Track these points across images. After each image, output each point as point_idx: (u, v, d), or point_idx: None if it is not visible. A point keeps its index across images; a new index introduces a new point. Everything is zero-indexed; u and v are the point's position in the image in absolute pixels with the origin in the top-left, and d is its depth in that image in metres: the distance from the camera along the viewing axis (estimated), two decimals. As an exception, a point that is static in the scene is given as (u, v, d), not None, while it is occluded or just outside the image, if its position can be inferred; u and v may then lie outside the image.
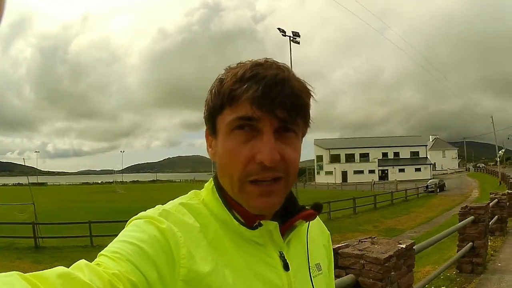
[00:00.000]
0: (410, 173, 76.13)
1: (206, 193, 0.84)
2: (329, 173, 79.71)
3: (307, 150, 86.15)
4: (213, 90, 0.79)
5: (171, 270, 0.68)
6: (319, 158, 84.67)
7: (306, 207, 0.87)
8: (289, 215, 0.86)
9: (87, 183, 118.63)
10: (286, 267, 0.82)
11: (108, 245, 0.69)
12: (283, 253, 0.83)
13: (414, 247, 3.53)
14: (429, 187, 42.52)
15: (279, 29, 29.71)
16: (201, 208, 0.80)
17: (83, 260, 0.63)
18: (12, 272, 0.52)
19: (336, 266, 3.08)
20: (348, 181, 72.10)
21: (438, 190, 41.90)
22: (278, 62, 0.79)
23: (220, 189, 0.82)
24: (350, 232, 18.63)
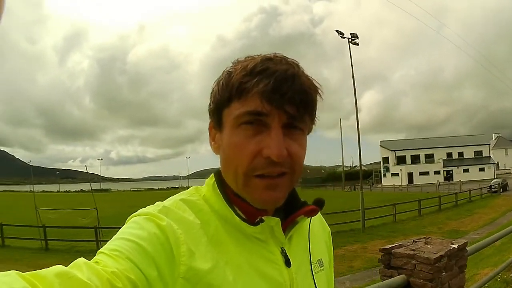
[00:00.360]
0: (474, 173, 73.31)
1: (207, 189, 0.84)
2: (395, 175, 78.44)
3: (373, 153, 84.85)
4: (221, 82, 0.78)
5: (171, 268, 0.67)
6: (385, 160, 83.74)
7: (308, 203, 0.87)
8: (290, 211, 0.85)
9: (152, 189, 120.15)
10: (287, 263, 0.81)
11: (107, 243, 0.69)
12: (284, 249, 0.82)
13: (466, 248, 3.48)
14: (492, 187, 40.57)
15: (337, 31, 29.21)
16: (201, 204, 0.79)
17: (82, 258, 0.63)
18: (11, 271, 0.52)
19: (389, 267, 3.11)
20: (414, 183, 70.71)
21: (501, 190, 39.93)
22: (288, 58, 0.78)
23: (222, 185, 0.82)
24: (415, 235, 18.13)
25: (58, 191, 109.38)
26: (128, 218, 0.75)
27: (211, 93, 0.81)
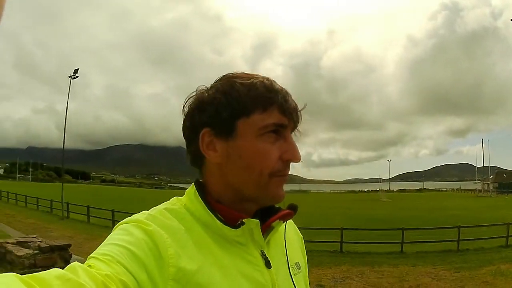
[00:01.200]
0: None
1: (187, 198, 0.88)
2: None
3: None
4: (234, 94, 0.83)
5: (160, 270, 0.70)
6: None
7: (282, 208, 0.92)
8: (266, 217, 0.89)
9: (352, 191, 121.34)
10: (268, 264, 0.86)
11: (97, 249, 0.72)
12: (264, 252, 0.87)
13: None
14: None
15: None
16: (183, 213, 0.83)
17: (76, 262, 0.65)
18: (10, 273, 0.52)
19: None
20: None
21: None
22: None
23: (202, 193, 0.86)
24: None
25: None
26: (116, 226, 0.79)
27: (215, 102, 0.84)
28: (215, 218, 0.82)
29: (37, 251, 6.19)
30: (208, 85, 0.89)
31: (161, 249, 0.72)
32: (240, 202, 0.86)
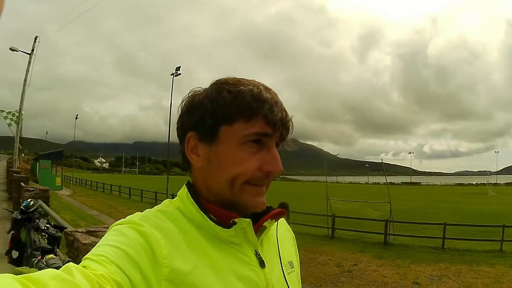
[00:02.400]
0: None
1: (179, 200, 0.88)
2: None
3: None
4: (220, 101, 0.84)
5: (154, 271, 0.71)
6: None
7: (273, 207, 0.92)
8: (258, 216, 0.90)
9: (461, 184, 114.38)
10: (262, 264, 0.86)
11: (92, 250, 0.72)
12: (258, 252, 0.88)
13: None
14: None
15: None
16: (177, 215, 0.84)
17: (71, 263, 0.65)
18: (6, 274, 0.53)
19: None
20: None
21: None
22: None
23: (194, 195, 0.87)
24: None
25: (366, 183, 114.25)
26: (110, 227, 0.80)
27: (202, 106, 0.86)
28: (207, 218, 0.83)
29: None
30: (204, 88, 0.90)
31: (155, 249, 0.73)
32: (224, 207, 0.86)
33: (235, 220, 0.83)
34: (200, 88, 0.90)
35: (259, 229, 0.89)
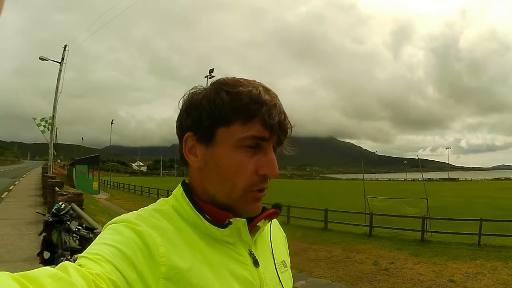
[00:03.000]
0: None
1: (174, 200, 0.88)
2: None
3: None
4: (218, 102, 0.83)
5: (151, 269, 0.71)
6: None
7: (267, 208, 0.92)
8: (252, 218, 0.89)
9: (497, 179, 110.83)
10: (256, 263, 0.87)
11: (87, 248, 0.73)
12: (252, 251, 0.89)
13: None
14: None
15: None
16: (172, 214, 0.84)
17: (67, 262, 0.66)
18: (2, 272, 0.54)
19: None
20: None
21: None
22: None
23: (190, 194, 0.87)
24: None
25: (405, 180, 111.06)
26: (105, 225, 0.80)
27: (199, 107, 0.85)
28: (203, 218, 0.82)
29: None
30: (204, 87, 0.89)
31: (152, 248, 0.72)
32: (219, 208, 0.85)
33: (230, 220, 0.83)
34: (200, 87, 0.89)
35: (253, 229, 0.89)
